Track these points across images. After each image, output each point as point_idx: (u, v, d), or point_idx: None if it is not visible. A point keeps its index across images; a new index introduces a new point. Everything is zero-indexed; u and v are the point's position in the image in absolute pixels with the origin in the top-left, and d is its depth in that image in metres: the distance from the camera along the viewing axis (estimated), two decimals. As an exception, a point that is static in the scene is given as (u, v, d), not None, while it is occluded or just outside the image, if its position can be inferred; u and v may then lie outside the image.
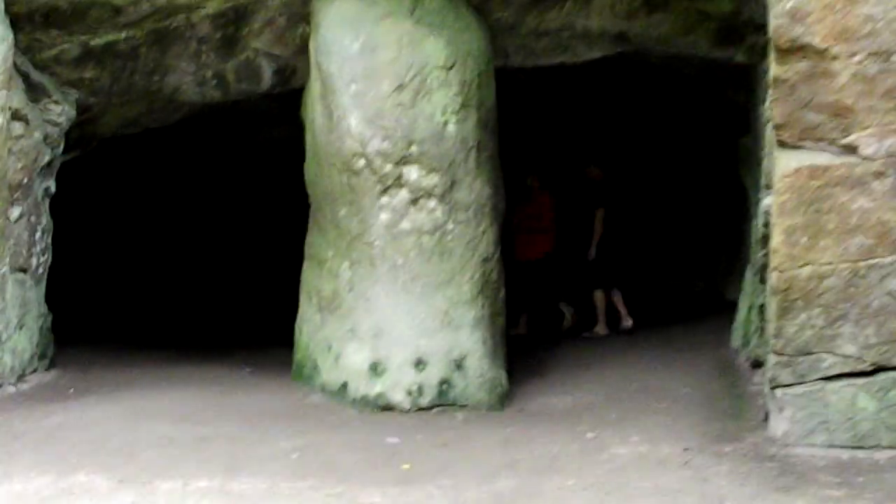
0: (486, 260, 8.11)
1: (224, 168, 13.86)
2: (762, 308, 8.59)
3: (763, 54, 9.14)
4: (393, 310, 7.90)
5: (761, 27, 8.87)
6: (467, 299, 7.96)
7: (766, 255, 7.97)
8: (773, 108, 6.49)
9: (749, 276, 10.01)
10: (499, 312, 8.37)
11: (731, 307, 11.58)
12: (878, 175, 6.25)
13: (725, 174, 12.56)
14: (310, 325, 8.43)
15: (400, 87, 7.88)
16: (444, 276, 7.91)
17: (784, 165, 6.36)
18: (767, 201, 7.56)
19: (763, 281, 8.28)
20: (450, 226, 7.93)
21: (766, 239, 7.89)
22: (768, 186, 7.56)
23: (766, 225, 7.70)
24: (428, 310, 7.88)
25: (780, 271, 6.41)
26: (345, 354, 8.03)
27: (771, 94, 6.60)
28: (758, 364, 8.90)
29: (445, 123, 7.93)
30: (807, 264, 6.37)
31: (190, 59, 9.06)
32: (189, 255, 13.88)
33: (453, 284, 7.92)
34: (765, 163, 7.72)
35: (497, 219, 8.35)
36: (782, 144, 6.44)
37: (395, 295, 7.90)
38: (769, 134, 7.46)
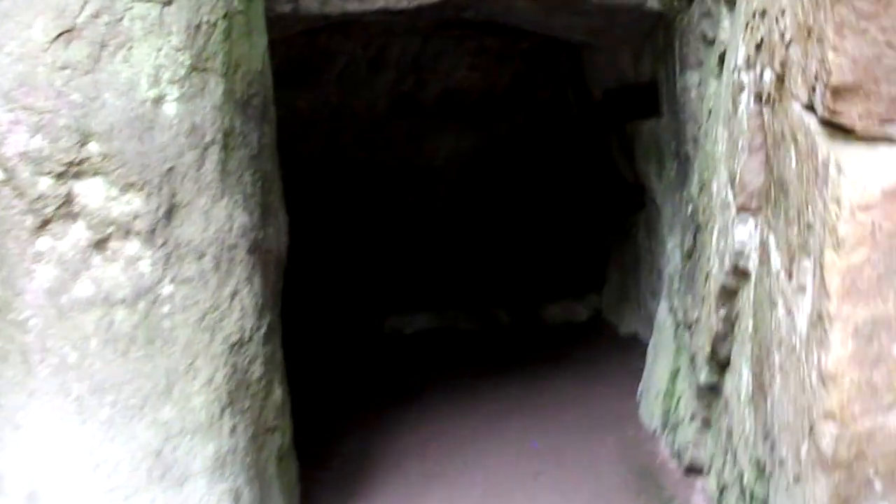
0: (238, 345, 4.18)
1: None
2: (707, 390, 4.96)
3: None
4: (61, 448, 3.92)
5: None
6: (201, 423, 4.03)
7: (727, 320, 4.27)
8: (813, 54, 2.67)
9: (667, 322, 6.34)
10: (272, 429, 4.44)
11: (628, 346, 8.04)
12: None
13: (609, 171, 8.82)
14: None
15: (68, 34, 3.91)
16: (155, 382, 3.97)
17: (856, 183, 2.52)
18: (742, 236, 3.81)
19: (715, 357, 4.62)
20: (166, 288, 3.99)
21: (727, 295, 4.19)
22: (745, 208, 3.78)
23: (737, 273, 3.98)
24: (126, 448, 3.94)
25: (844, 422, 2.59)
26: (-10, 520, 4.03)
27: (809, 23, 2.78)
28: (694, 470, 5.36)
29: (158, 101, 4.01)
30: (903, 406, 2.60)
31: None
32: None
33: (174, 397, 3.99)
34: (736, 165, 3.94)
35: (263, 266, 4.41)
36: (845, 133, 2.61)
37: (66, 420, 3.94)
38: (748, 112, 3.71)
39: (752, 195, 3.80)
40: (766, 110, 3.45)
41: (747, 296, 4.01)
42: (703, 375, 5.05)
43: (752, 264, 3.87)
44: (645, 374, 6.84)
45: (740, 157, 3.85)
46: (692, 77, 5.61)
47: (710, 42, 5.24)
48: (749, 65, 3.76)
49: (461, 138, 9.82)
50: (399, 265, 10.03)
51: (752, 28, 3.72)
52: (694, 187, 5.52)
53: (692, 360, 5.45)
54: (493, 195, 10.10)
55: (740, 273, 4.07)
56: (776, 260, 3.28)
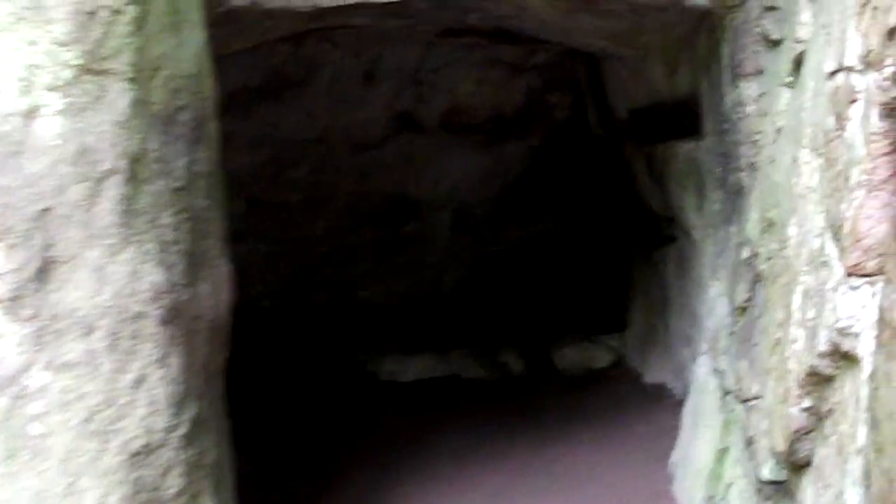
0: (144, 453, 2.93)
1: None
2: (771, 488, 3.74)
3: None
4: None
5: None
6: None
7: (814, 412, 3.04)
8: None
9: (710, 385, 5.16)
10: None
11: (655, 398, 6.89)
12: None
13: (634, 200, 7.60)
14: None
15: None
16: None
17: None
18: (850, 308, 2.55)
19: (790, 456, 3.38)
20: (37, 377, 2.74)
21: (818, 382, 2.95)
22: (858, 270, 2.52)
23: (837, 356, 2.72)
24: None
25: None
26: None
27: None
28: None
29: (30, 114, 2.78)
30: None
31: None
32: None
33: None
34: (842, 207, 2.68)
35: (187, 338, 3.18)
36: None
37: None
38: (866, 132, 2.45)
39: (872, 251, 2.57)
40: None
41: (854, 390, 2.78)
42: (768, 470, 3.84)
43: (867, 349, 2.64)
44: (681, 441, 5.62)
45: (851, 196, 2.62)
46: (748, 88, 4.40)
47: (776, 43, 4.04)
48: (868, 63, 2.53)
49: (468, 162, 8.59)
50: (396, 302, 8.83)
51: (873, 9, 2.49)
52: (752, 226, 4.30)
53: (749, 443, 4.23)
54: (502, 225, 8.90)
55: (842, 356, 2.84)
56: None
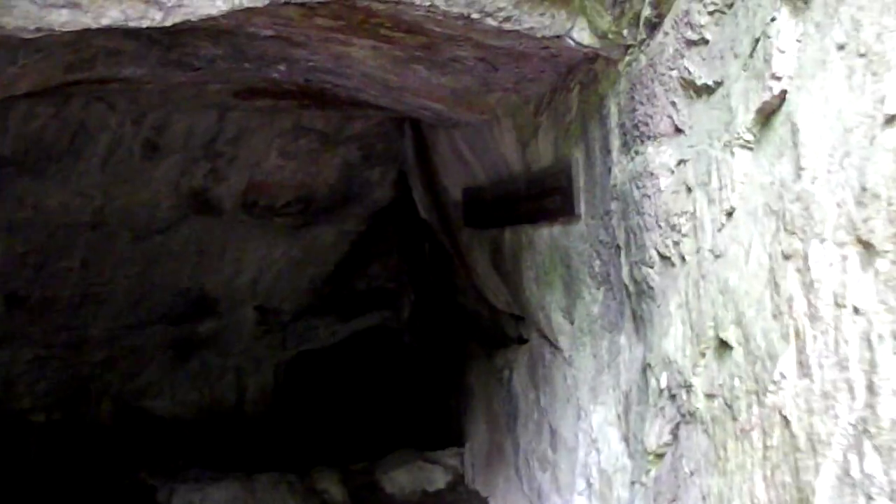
0: None
1: None
2: None
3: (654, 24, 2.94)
4: None
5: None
6: None
7: None
8: None
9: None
10: None
11: None
12: None
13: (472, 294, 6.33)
14: None
15: None
16: None
17: None
18: None
19: None
20: None
21: None
22: None
23: None
24: None
25: None
26: None
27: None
28: None
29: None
30: None
31: None
32: None
33: None
34: None
35: None
36: None
37: None
38: None
39: None
40: None
41: None
42: None
43: None
44: None
45: None
46: (660, 154, 3.12)
47: (705, 90, 2.78)
48: None
49: (273, 250, 7.16)
50: (191, 415, 7.28)
51: None
52: (673, 344, 2.99)
53: None
54: (314, 322, 7.47)
55: None
56: None
